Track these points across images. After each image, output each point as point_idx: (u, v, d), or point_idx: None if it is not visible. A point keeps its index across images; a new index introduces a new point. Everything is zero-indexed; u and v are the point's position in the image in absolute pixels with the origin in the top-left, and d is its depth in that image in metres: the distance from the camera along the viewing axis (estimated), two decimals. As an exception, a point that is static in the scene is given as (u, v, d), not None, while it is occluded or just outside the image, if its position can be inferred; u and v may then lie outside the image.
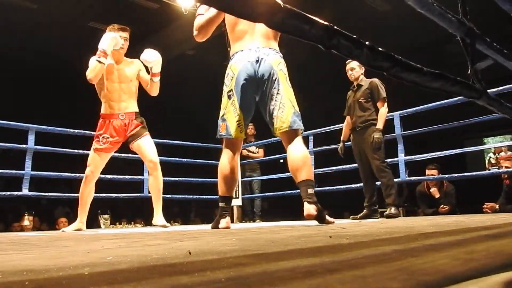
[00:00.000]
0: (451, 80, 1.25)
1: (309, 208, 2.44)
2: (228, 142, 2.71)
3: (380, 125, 4.13)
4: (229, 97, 2.63)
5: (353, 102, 4.36)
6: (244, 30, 2.64)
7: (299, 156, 2.51)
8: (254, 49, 2.59)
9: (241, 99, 2.60)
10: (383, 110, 4.17)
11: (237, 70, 2.59)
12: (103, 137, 3.67)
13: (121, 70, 3.77)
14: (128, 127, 3.76)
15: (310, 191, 2.45)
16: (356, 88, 4.37)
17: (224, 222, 2.65)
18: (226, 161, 2.72)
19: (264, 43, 2.62)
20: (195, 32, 2.85)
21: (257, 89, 2.62)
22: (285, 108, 2.56)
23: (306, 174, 2.48)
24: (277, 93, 2.57)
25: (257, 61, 2.56)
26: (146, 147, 3.73)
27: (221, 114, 2.72)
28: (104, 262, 0.80)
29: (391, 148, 4.81)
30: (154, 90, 3.91)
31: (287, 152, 2.59)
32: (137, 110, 3.91)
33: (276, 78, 2.57)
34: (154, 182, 3.79)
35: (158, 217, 3.76)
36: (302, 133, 2.65)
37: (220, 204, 2.71)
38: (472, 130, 7.95)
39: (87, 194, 3.65)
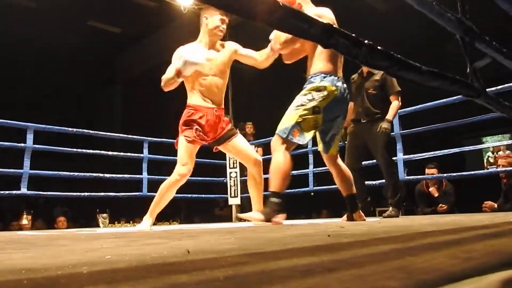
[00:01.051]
0: (450, 79, 1.26)
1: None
2: (291, 145, 2.85)
3: (390, 116, 3.94)
4: (314, 111, 2.73)
5: (359, 89, 4.09)
6: (336, 54, 2.77)
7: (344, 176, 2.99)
8: (341, 77, 2.80)
9: (325, 120, 2.77)
10: (397, 103, 3.97)
11: (332, 92, 2.72)
12: (196, 128, 3.09)
13: (215, 61, 3.24)
14: (220, 124, 3.24)
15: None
16: (366, 75, 4.10)
17: (281, 217, 2.70)
18: (288, 160, 2.81)
19: (341, 71, 2.82)
20: (278, 46, 3.01)
21: (338, 115, 2.85)
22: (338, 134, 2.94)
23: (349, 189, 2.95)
24: (340, 119, 2.87)
25: (345, 90, 2.79)
26: (245, 146, 3.45)
27: (296, 119, 2.75)
28: (102, 261, 0.79)
29: (390, 147, 4.82)
30: (268, 63, 3.34)
31: (337, 170, 3.01)
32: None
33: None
34: (259, 179, 3.50)
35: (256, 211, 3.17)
36: None
37: (275, 200, 2.66)
38: (471, 129, 7.95)
39: (171, 195, 3.16)
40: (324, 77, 2.74)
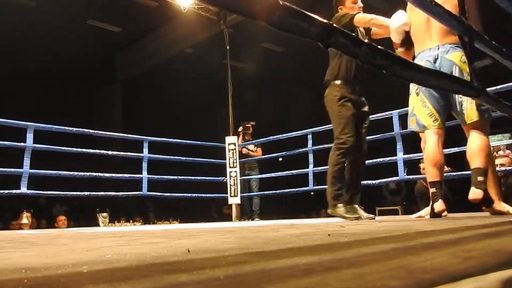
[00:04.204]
0: (450, 78, 1.26)
1: (475, 192, 2.63)
2: (421, 133, 2.91)
3: None
4: (417, 94, 2.83)
5: None
6: (422, 30, 2.82)
7: (475, 146, 2.70)
8: (434, 48, 2.76)
9: (427, 94, 2.79)
10: None
11: None
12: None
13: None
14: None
15: (480, 178, 2.61)
16: None
17: (438, 205, 2.69)
18: (431, 147, 2.80)
19: (441, 40, 2.75)
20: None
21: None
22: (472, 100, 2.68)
23: (479, 163, 2.64)
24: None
25: (435, 60, 2.74)
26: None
27: (410, 110, 2.90)
28: (103, 260, 0.79)
29: (389, 147, 4.82)
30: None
31: (469, 140, 2.78)
32: None
33: (458, 72, 2.70)
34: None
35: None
36: (489, 120, 2.77)
37: (432, 190, 2.72)
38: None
39: None
40: (415, 58, 2.83)
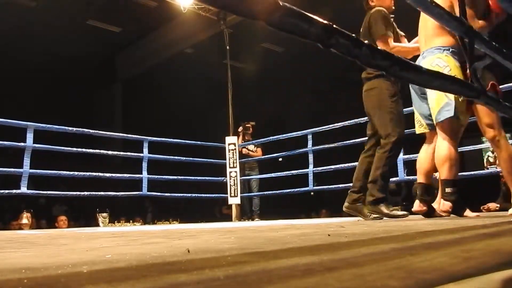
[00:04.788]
0: (450, 79, 1.26)
1: (444, 204, 2.55)
2: (430, 134, 2.81)
3: None
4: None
5: None
6: (419, 38, 2.83)
7: (438, 155, 2.58)
8: (421, 54, 2.76)
9: (413, 98, 2.85)
10: None
11: None
12: None
13: None
14: None
15: (448, 190, 2.53)
16: None
17: (415, 205, 2.69)
18: (419, 153, 2.82)
19: (425, 45, 2.72)
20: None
21: (420, 90, 2.80)
22: (433, 101, 2.65)
23: (444, 174, 2.54)
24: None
25: None
26: None
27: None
28: (102, 260, 0.80)
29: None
30: None
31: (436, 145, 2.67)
32: None
33: None
34: None
35: None
36: (454, 120, 2.60)
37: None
38: (471, 129, 7.94)
39: None
40: None
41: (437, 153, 2.57)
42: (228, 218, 7.32)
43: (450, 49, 2.59)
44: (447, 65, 2.57)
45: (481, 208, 4.74)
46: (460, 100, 2.59)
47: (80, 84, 10.93)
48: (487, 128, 2.76)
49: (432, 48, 2.66)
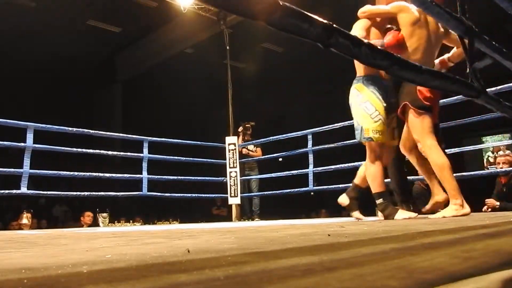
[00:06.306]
0: (450, 79, 1.26)
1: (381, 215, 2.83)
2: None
3: None
4: None
5: None
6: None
7: (366, 174, 2.84)
8: None
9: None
10: None
11: None
12: None
13: None
14: None
15: (378, 201, 2.79)
16: None
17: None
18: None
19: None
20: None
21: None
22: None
23: (373, 189, 2.78)
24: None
25: None
26: None
27: None
28: (102, 260, 0.79)
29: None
30: None
31: None
32: None
33: (350, 103, 2.89)
34: None
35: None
36: (368, 142, 2.76)
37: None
38: (471, 129, 7.95)
39: None
40: None
41: (365, 171, 2.84)
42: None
43: (363, 79, 2.78)
44: (359, 93, 2.80)
45: (486, 202, 4.72)
46: (377, 123, 2.70)
47: (80, 84, 10.93)
48: (416, 139, 2.85)
49: (355, 79, 2.86)
